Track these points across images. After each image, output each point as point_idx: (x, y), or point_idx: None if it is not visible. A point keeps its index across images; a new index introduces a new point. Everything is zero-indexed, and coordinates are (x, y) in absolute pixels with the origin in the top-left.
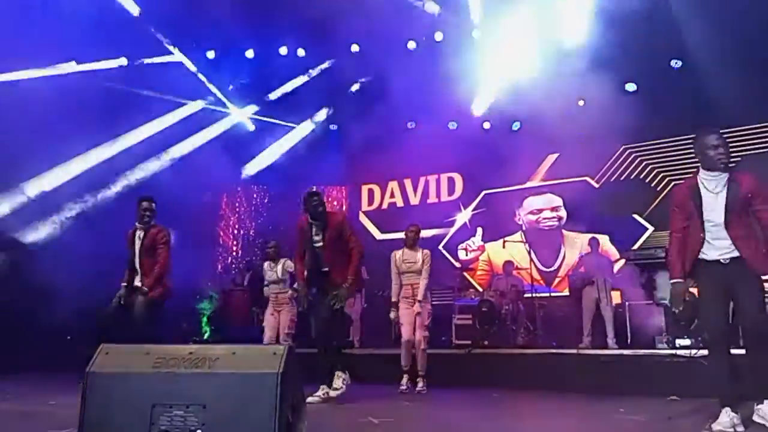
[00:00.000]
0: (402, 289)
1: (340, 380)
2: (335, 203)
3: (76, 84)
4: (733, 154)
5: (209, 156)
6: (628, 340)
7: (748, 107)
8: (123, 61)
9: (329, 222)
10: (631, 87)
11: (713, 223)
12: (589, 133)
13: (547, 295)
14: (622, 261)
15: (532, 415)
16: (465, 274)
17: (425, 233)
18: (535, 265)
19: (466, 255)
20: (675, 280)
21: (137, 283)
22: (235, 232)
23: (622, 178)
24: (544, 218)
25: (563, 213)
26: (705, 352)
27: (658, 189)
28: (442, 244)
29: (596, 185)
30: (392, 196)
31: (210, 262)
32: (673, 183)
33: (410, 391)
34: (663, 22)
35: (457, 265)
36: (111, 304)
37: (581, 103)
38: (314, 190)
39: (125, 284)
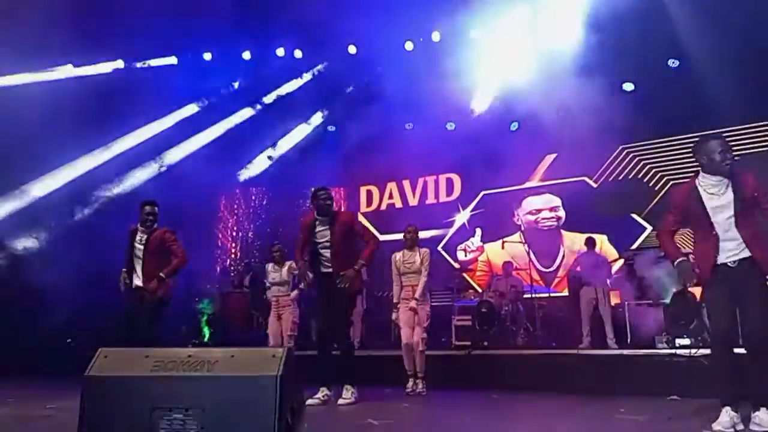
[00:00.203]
0: (402, 290)
1: (349, 393)
2: (334, 204)
3: (72, 87)
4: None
5: (207, 159)
6: (628, 340)
7: (745, 107)
8: (120, 63)
9: (336, 219)
10: (628, 87)
11: (718, 225)
12: (587, 133)
13: (547, 295)
14: (620, 261)
15: (532, 415)
16: (464, 274)
17: (424, 234)
18: (534, 266)
19: (465, 256)
20: (678, 260)
21: (138, 282)
22: (234, 234)
23: (620, 177)
24: (543, 218)
25: (562, 213)
26: (705, 351)
27: (657, 188)
28: (441, 245)
29: (594, 185)
30: (391, 197)
31: (209, 264)
32: (671, 182)
33: (416, 393)
34: (660, 22)
35: (456, 266)
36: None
37: (579, 103)
38: (323, 186)
39: (127, 282)
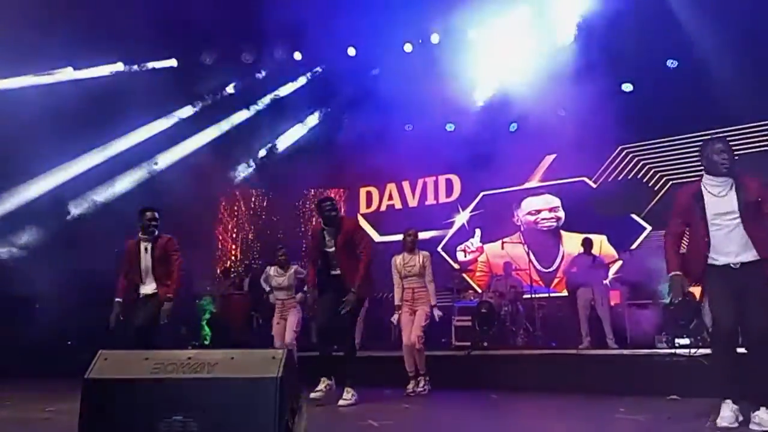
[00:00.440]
0: (403, 292)
1: (349, 394)
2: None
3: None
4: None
5: (206, 160)
6: (628, 340)
7: (744, 106)
8: (119, 66)
9: (342, 227)
10: (627, 87)
11: (719, 227)
12: (587, 133)
13: (546, 295)
14: (619, 263)
15: (532, 416)
16: (464, 275)
17: (424, 235)
18: (534, 266)
19: (465, 256)
20: (673, 273)
21: (148, 291)
22: (234, 236)
23: (619, 178)
24: (543, 219)
25: (561, 213)
26: (705, 351)
27: (656, 189)
28: (441, 245)
29: (594, 185)
30: (390, 198)
31: (209, 266)
32: (670, 182)
33: (417, 394)
34: (659, 22)
35: (456, 266)
36: (112, 320)
37: (578, 103)
38: (327, 195)
39: (121, 300)
